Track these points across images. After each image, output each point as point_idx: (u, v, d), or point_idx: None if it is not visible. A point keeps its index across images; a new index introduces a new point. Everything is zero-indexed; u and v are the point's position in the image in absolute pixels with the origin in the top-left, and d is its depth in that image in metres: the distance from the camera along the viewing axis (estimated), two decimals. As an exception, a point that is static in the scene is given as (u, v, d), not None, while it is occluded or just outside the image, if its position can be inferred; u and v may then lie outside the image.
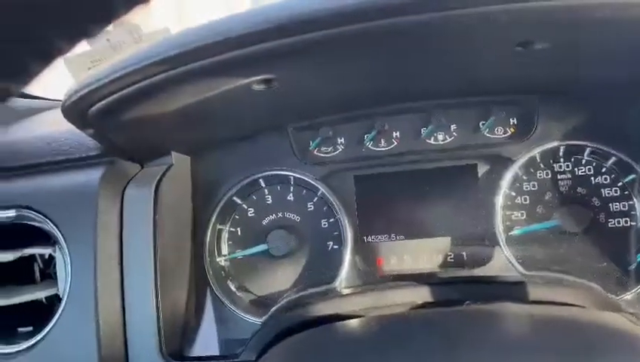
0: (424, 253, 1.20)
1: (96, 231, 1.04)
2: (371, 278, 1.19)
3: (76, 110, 0.90)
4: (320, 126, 1.23)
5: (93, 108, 0.90)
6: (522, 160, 1.15)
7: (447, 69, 1.03)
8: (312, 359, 0.81)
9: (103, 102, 0.89)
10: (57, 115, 1.32)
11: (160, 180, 1.11)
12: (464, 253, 1.18)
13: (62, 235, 1.06)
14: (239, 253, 1.25)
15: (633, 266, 1.09)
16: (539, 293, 0.93)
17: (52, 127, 1.17)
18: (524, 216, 1.16)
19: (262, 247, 1.23)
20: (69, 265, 1.05)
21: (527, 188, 1.16)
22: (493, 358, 0.66)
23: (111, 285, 1.05)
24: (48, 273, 1.21)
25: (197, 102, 0.96)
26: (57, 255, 1.08)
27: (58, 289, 1.08)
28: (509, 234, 1.15)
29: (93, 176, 1.08)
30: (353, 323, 0.89)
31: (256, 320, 1.17)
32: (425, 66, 1.00)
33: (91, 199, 1.06)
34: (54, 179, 1.10)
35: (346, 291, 1.14)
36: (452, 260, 1.18)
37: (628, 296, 1.06)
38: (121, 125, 0.99)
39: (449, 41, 0.85)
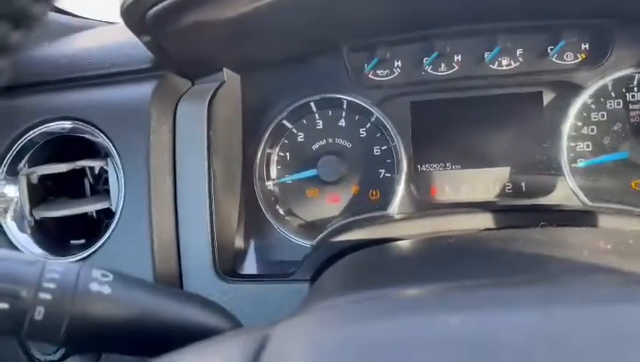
0: (481, 183, 1.16)
1: (150, 145, 1.02)
2: (425, 206, 1.16)
3: (135, 12, 0.86)
4: (377, 47, 1.17)
5: (152, 11, 0.86)
6: (593, 88, 1.09)
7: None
8: (369, 278, 0.79)
9: (162, 4, 0.85)
10: (107, 30, 1.29)
11: (212, 97, 1.08)
12: (523, 184, 1.14)
13: (115, 148, 1.04)
14: (288, 178, 1.22)
15: None
16: (608, 222, 0.89)
17: (102, 41, 1.14)
18: (591, 148, 1.11)
19: (311, 172, 1.20)
20: (122, 179, 1.04)
21: (595, 118, 1.11)
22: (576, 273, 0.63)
23: (164, 201, 1.04)
24: (97, 189, 1.21)
25: (255, 9, 0.91)
26: (110, 169, 1.07)
27: (110, 204, 1.07)
28: (574, 165, 1.10)
29: (145, 89, 1.05)
30: (414, 241, 0.86)
31: (306, 243, 1.16)
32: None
33: (144, 112, 1.03)
34: (106, 92, 1.07)
35: (399, 216, 1.12)
36: (511, 191, 1.14)
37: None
38: (177, 32, 0.95)
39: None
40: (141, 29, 0.91)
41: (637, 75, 1.07)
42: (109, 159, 1.07)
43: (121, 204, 1.03)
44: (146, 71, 1.07)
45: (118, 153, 1.04)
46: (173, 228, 1.04)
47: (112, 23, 1.55)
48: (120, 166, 1.03)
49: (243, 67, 1.17)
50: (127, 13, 0.87)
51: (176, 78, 1.10)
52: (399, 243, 0.85)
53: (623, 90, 1.10)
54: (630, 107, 1.09)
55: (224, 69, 1.12)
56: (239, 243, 1.15)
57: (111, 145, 1.04)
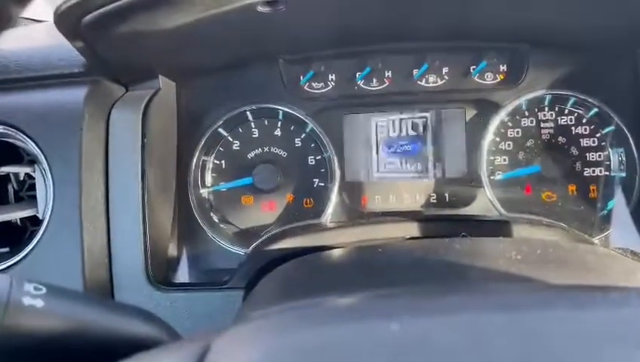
0: (408, 193, 1.22)
1: (81, 152, 1.00)
2: (357, 215, 1.21)
3: (70, 18, 0.85)
4: (312, 60, 1.21)
5: (87, 18, 0.85)
6: (509, 106, 1.18)
7: (445, 9, 1.03)
8: (302, 286, 0.82)
9: (99, 11, 0.84)
10: (36, 30, 1.24)
11: (147, 104, 1.07)
12: (447, 194, 1.21)
13: (44, 155, 1.01)
14: (223, 186, 1.23)
15: (604, 212, 1.16)
16: (520, 232, 0.98)
17: (32, 42, 1.10)
18: (507, 161, 1.20)
19: (247, 180, 1.22)
20: (51, 186, 1.01)
21: (511, 134, 1.20)
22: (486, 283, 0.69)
23: (95, 208, 1.02)
24: (21, 196, 1.16)
25: (195, 21, 0.92)
26: (37, 175, 1.03)
27: (37, 211, 1.03)
28: (492, 178, 1.19)
29: (77, 94, 1.03)
30: (346, 250, 0.90)
31: (240, 251, 1.18)
32: (425, 3, 1.00)
33: (75, 118, 1.01)
34: (36, 96, 1.04)
35: (332, 225, 1.16)
36: (435, 201, 1.21)
37: (598, 239, 1.12)
38: (112, 40, 0.94)
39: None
40: (75, 34, 0.90)
41: (548, 95, 1.18)
42: (36, 165, 1.03)
43: (49, 211, 1.00)
44: (79, 75, 1.05)
45: (47, 159, 1.01)
46: (104, 237, 1.03)
47: (39, 20, 1.50)
48: (49, 172, 1.01)
49: (179, 74, 1.17)
50: (61, 18, 0.85)
51: (110, 84, 1.09)
52: (330, 252, 0.88)
53: (536, 109, 1.20)
54: (542, 125, 1.20)
55: (160, 76, 1.12)
56: (172, 251, 1.15)
57: (39, 151, 1.01)
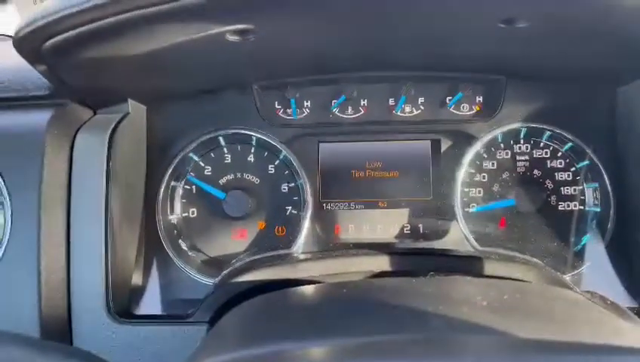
0: (382, 224, 1.20)
1: (42, 177, 0.97)
2: (329, 245, 1.19)
3: (29, 42, 0.82)
4: (286, 87, 1.19)
5: (48, 43, 0.82)
6: (485, 138, 1.17)
7: (423, 39, 1.02)
8: (261, 329, 0.79)
9: (61, 37, 0.81)
10: (8, 49, 1.21)
11: (115, 128, 1.05)
12: (421, 226, 1.19)
13: (1, 178, 0.97)
14: (192, 211, 1.20)
15: (579, 247, 1.15)
16: (492, 268, 0.96)
17: (1, 60, 1.07)
18: (482, 194, 1.18)
19: (218, 207, 1.19)
20: (9, 213, 0.97)
21: (486, 166, 1.19)
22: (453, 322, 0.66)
23: (56, 236, 0.98)
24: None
25: (163, 48, 0.89)
26: (-5, 201, 1.00)
27: (-5, 238, 1.00)
28: (466, 210, 1.17)
29: (40, 117, 1.00)
30: (311, 288, 0.87)
31: (208, 281, 1.14)
32: (403, 32, 0.98)
33: (37, 142, 0.98)
34: (-3, 117, 1.01)
35: (302, 256, 1.13)
36: (409, 232, 1.20)
37: (573, 274, 1.11)
38: (77, 64, 0.91)
39: (438, 9, 0.83)
40: (36, 58, 0.87)
41: (523, 128, 1.17)
42: (-6, 191, 1.00)
43: (6, 239, 0.97)
44: (44, 98, 1.02)
45: (5, 184, 0.97)
46: (63, 267, 0.99)
47: (9, 36, 1.46)
48: (7, 199, 0.97)
49: (150, 98, 1.15)
50: (21, 43, 0.82)
51: (77, 107, 1.06)
52: (294, 290, 0.85)
53: (511, 141, 1.19)
54: (517, 158, 1.19)
55: (129, 100, 1.09)
56: (137, 280, 1.11)
57: (-2, 176, 0.97)
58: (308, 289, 0.86)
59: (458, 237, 1.15)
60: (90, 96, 1.05)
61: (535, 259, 1.02)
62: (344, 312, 0.74)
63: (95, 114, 1.08)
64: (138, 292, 1.10)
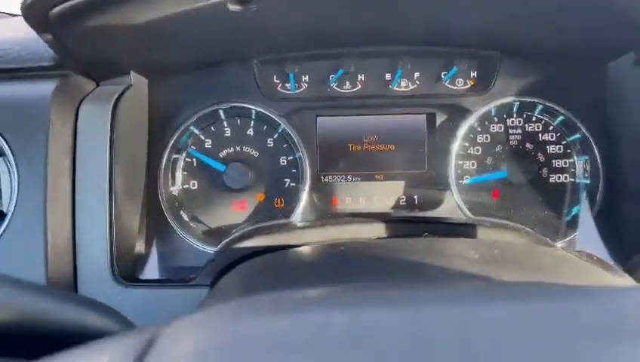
0: (378, 195, 1.24)
1: (48, 146, 0.99)
2: (326, 215, 1.22)
3: (37, 9, 0.84)
4: (285, 61, 1.22)
5: (55, 10, 0.85)
6: (478, 112, 1.20)
7: (420, 13, 1.04)
8: (262, 282, 0.82)
9: (67, 4, 0.83)
10: (7, 23, 1.23)
11: (118, 99, 1.07)
12: (416, 197, 1.23)
13: (9, 147, 1.00)
14: (193, 183, 1.23)
15: (568, 218, 1.18)
16: (484, 234, 0.99)
17: (6, 34, 1.09)
18: (475, 166, 1.22)
19: (218, 179, 1.22)
20: (16, 180, 1.00)
21: (480, 139, 1.22)
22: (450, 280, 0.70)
23: (61, 203, 1.01)
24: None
25: (165, 17, 0.92)
26: (2, 168, 1.02)
27: (1, 204, 1.02)
28: (460, 182, 1.20)
29: (46, 88, 1.02)
30: (308, 248, 0.90)
31: (209, 249, 1.17)
32: (401, 7, 1.01)
33: (43, 112, 1.00)
34: (4, 88, 1.03)
35: (300, 224, 1.16)
36: (404, 203, 1.23)
37: (562, 243, 1.15)
38: (82, 33, 0.93)
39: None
40: (43, 27, 0.89)
41: (516, 102, 1.20)
42: (1, 158, 1.02)
43: (14, 205, 0.99)
44: (49, 69, 1.04)
45: (12, 152, 1.00)
46: (69, 232, 1.02)
47: (12, 14, 1.49)
48: (14, 166, 0.99)
49: (151, 71, 1.17)
50: (28, 11, 0.85)
51: (81, 79, 1.08)
52: (295, 250, 0.88)
53: (504, 115, 1.22)
54: (510, 131, 1.22)
55: (131, 72, 1.11)
56: (140, 248, 1.14)
57: (5, 143, 0.99)
58: (305, 249, 0.89)
59: (452, 206, 1.19)
60: (93, 68, 1.08)
61: (525, 227, 1.06)
62: (341, 266, 0.77)
63: (98, 85, 1.11)
64: (141, 259, 1.13)
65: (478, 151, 1.22)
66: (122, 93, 1.09)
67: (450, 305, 0.43)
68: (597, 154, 1.17)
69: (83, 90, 1.07)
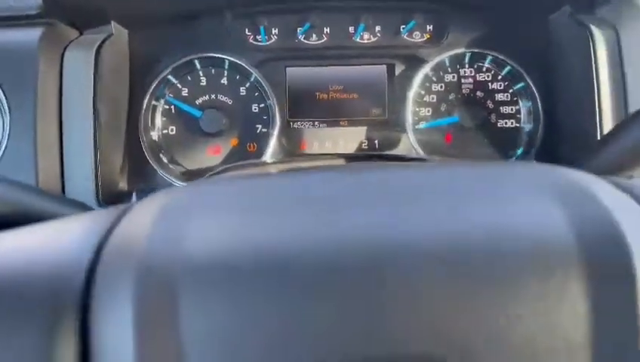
0: (343, 140, 1.35)
1: (37, 88, 1.08)
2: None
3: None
4: (257, 15, 1.31)
5: (41, -41, 0.93)
6: (433, 63, 1.31)
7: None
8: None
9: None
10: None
11: (100, 46, 1.16)
12: (377, 141, 1.35)
13: (2, 91, 1.09)
14: (172, 128, 1.33)
15: (513, 158, 1.31)
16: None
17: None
18: (431, 112, 1.34)
19: (195, 125, 1.32)
20: (8, 122, 1.09)
21: (435, 88, 1.33)
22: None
23: (49, 145, 1.11)
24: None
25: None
26: (-6, 110, 1.11)
27: (-5, 144, 1.12)
28: (416, 126, 1.32)
29: (32, 35, 1.11)
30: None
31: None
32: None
33: (30, 57, 1.09)
34: (-6, 35, 1.11)
35: (271, 161, 1.28)
36: (367, 146, 1.35)
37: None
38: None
39: None
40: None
41: (467, 53, 1.31)
42: (-6, 100, 1.11)
43: (4, 146, 1.09)
44: (34, 17, 1.13)
45: (5, 95, 1.09)
46: (57, 170, 1.12)
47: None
48: (6, 108, 1.09)
49: (131, 22, 1.26)
50: (16, -42, 0.93)
51: (65, 27, 1.16)
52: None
53: (457, 66, 1.33)
54: (462, 80, 1.33)
55: (112, 22, 1.20)
56: (123, 185, 1.25)
57: (-2, 87, 1.09)
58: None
59: (408, 147, 1.31)
60: (77, 17, 1.16)
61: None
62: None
63: (81, 34, 1.19)
64: (125, 195, 1.23)
65: (433, 99, 1.34)
66: (104, 41, 1.18)
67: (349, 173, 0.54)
68: (539, 101, 1.29)
69: (68, 38, 1.16)
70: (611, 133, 0.85)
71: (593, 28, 1.11)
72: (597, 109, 1.09)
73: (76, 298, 0.40)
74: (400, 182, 0.51)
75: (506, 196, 0.47)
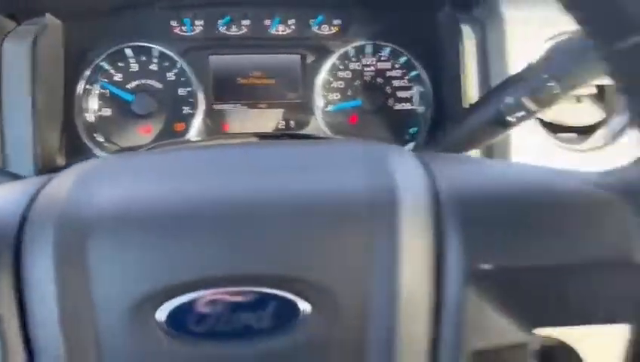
0: (262, 121, 1.53)
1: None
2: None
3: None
4: (182, 8, 1.47)
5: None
6: (339, 52, 1.50)
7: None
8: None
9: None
10: None
11: (37, 36, 1.29)
12: (292, 121, 1.53)
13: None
14: (106, 110, 1.48)
15: (408, 136, 1.53)
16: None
17: None
18: (339, 97, 1.53)
19: (127, 108, 1.47)
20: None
21: (341, 75, 1.53)
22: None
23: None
24: None
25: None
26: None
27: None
28: (325, 110, 1.52)
29: (-30, 26, 1.23)
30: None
31: (121, 164, 1.44)
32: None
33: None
34: None
35: (195, 139, 1.45)
36: (283, 126, 1.53)
37: (398, 154, 1.49)
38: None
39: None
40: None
41: (369, 45, 1.51)
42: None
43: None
44: (-28, 10, 1.25)
45: None
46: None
47: None
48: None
49: (65, 14, 1.39)
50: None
51: (3, 19, 1.29)
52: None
53: (361, 55, 1.53)
54: (365, 69, 1.53)
55: (47, 14, 1.33)
56: (61, 162, 1.39)
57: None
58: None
59: (317, 128, 1.51)
60: (13, 9, 1.29)
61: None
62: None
63: (19, 24, 1.32)
64: (61, 170, 1.38)
65: (341, 85, 1.53)
66: (41, 31, 1.31)
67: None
68: (429, 87, 1.51)
69: (5, 28, 1.29)
70: (457, 119, 1.07)
71: (463, 25, 1.33)
72: (463, 94, 1.31)
73: (11, 239, 0.57)
74: (265, 156, 0.70)
75: (327, 166, 0.66)
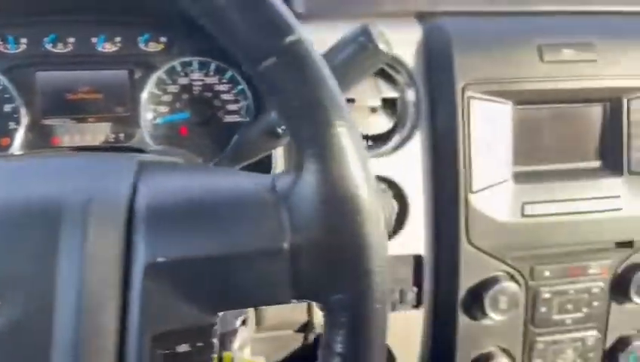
0: (91, 134, 1.58)
1: None
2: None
3: None
4: (6, 26, 1.49)
5: None
6: (166, 67, 1.58)
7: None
8: None
9: None
10: None
11: None
12: (120, 135, 1.59)
13: None
14: None
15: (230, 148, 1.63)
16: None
17: None
18: (168, 110, 1.61)
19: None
20: None
21: (170, 89, 1.60)
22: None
23: None
24: None
25: None
26: None
27: None
28: (153, 122, 1.59)
29: None
30: None
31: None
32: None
33: None
34: None
35: (19, 152, 1.48)
36: (113, 139, 1.59)
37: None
38: None
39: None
40: None
41: (195, 60, 1.60)
42: None
43: None
44: None
45: None
46: None
47: None
48: None
49: None
50: None
51: None
52: None
53: (188, 70, 1.61)
54: (193, 83, 1.62)
55: None
56: None
57: None
58: None
59: (142, 141, 1.58)
60: None
61: (187, 152, 1.48)
62: None
63: None
64: None
65: (169, 98, 1.61)
66: None
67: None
68: (252, 101, 1.62)
69: None
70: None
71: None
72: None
73: None
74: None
75: (52, 174, 0.74)
